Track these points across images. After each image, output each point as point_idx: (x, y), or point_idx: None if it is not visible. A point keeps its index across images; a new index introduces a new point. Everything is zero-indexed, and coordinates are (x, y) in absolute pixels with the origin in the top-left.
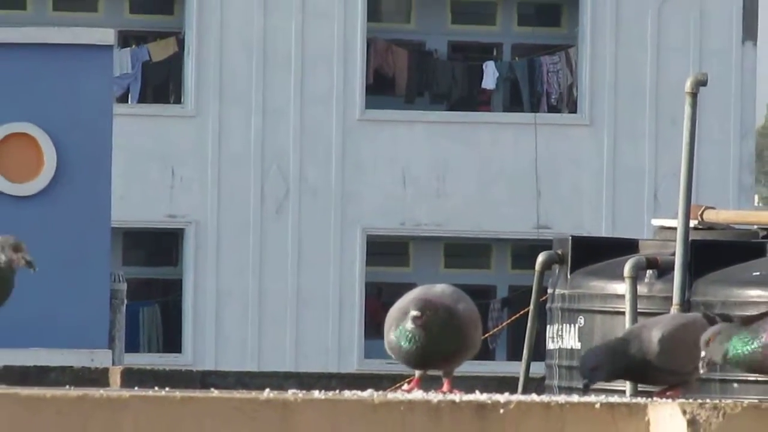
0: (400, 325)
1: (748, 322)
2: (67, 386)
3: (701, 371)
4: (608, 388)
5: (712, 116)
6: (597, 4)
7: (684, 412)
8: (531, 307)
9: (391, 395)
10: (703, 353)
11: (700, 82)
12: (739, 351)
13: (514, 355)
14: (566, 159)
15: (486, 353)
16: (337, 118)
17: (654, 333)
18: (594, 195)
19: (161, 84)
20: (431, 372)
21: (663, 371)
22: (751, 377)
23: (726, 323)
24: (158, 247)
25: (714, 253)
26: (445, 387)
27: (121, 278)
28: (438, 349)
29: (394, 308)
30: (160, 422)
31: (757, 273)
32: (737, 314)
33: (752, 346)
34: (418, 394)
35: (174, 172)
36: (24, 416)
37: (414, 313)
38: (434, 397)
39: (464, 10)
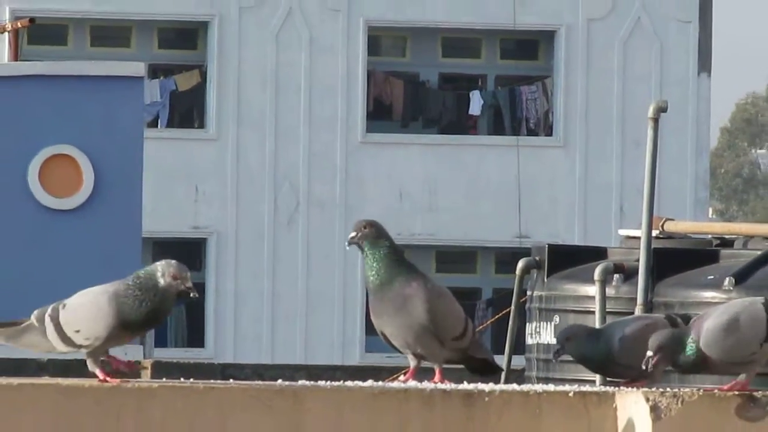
0: None
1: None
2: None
3: (648, 370)
4: (580, 378)
5: (671, 138)
6: (570, 40)
7: (647, 400)
8: (512, 307)
9: (389, 385)
10: (648, 353)
11: (661, 109)
12: (686, 352)
13: (498, 349)
14: (543, 176)
15: None
16: (341, 141)
17: (624, 331)
18: (568, 208)
19: (186, 111)
20: (423, 365)
21: (624, 366)
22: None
23: (675, 329)
24: (184, 255)
25: (673, 260)
26: (437, 377)
27: None
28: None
29: None
30: (186, 410)
31: (711, 277)
32: (694, 313)
33: (692, 347)
34: (412, 384)
35: (197, 188)
36: (65, 404)
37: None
38: (427, 386)
39: (453, 45)
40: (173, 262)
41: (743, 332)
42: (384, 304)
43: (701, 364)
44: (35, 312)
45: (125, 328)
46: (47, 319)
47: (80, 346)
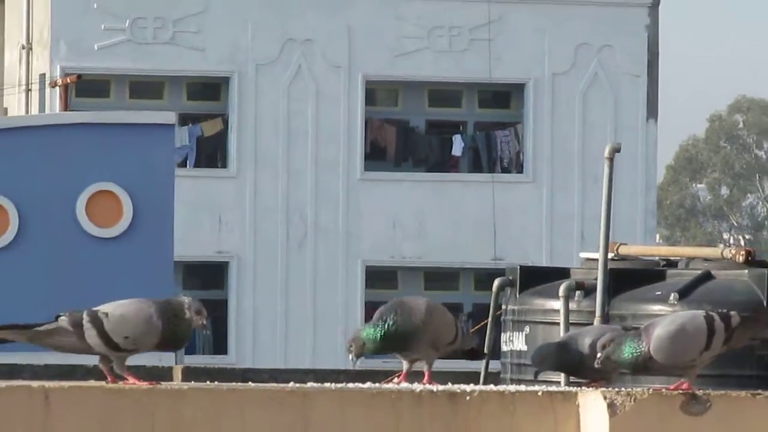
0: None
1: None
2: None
3: (596, 365)
4: (547, 380)
5: (624, 175)
6: (537, 92)
7: (605, 398)
8: (489, 319)
9: (384, 386)
10: (598, 354)
11: (615, 150)
12: (629, 356)
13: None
14: (515, 208)
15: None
16: (343, 178)
17: (585, 340)
18: (536, 234)
19: (210, 153)
20: (404, 359)
21: (591, 369)
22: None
23: (622, 331)
24: (209, 276)
25: (626, 278)
26: (426, 379)
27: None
28: (398, 334)
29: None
30: (211, 408)
31: (659, 293)
32: (643, 324)
33: (638, 351)
34: (405, 385)
35: (221, 218)
36: (109, 403)
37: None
38: (417, 387)
39: (438, 96)
40: (197, 300)
41: (686, 341)
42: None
43: (649, 367)
44: (65, 317)
45: (160, 342)
46: (86, 324)
47: (124, 350)
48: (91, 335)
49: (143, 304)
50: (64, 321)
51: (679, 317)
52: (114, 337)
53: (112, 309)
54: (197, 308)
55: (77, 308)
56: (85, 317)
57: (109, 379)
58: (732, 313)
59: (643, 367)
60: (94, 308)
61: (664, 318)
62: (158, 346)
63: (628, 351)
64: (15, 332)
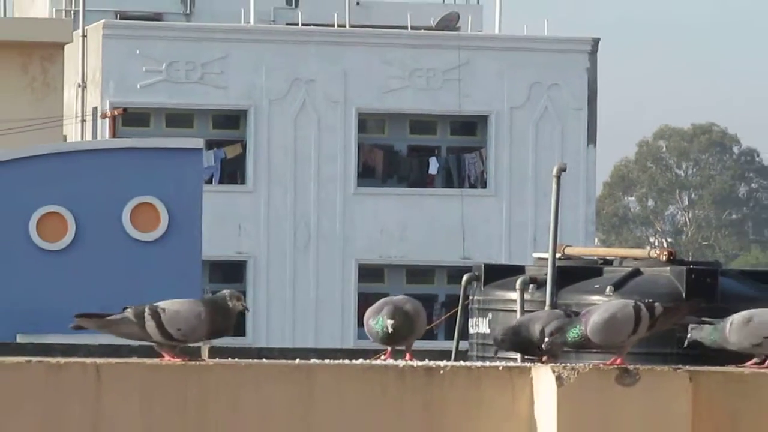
0: (378, 317)
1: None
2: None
3: (544, 348)
4: (506, 357)
5: (569, 190)
6: (498, 122)
7: (553, 372)
8: (459, 307)
9: (373, 363)
10: (546, 338)
11: (562, 170)
12: (572, 337)
13: (449, 336)
14: (480, 217)
15: (431, 336)
16: (340, 193)
17: (536, 325)
18: (497, 238)
19: (232, 172)
20: (396, 348)
21: (540, 349)
22: (594, 350)
23: (567, 318)
24: (230, 272)
25: (571, 274)
26: (407, 357)
27: (207, 291)
28: (399, 334)
29: (372, 308)
30: (233, 380)
31: (597, 285)
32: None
33: (578, 333)
34: (390, 362)
35: (240, 226)
36: (149, 377)
37: (389, 321)
38: (400, 363)
39: (417, 125)
40: (234, 291)
41: (617, 325)
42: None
43: (586, 345)
44: (130, 310)
45: (209, 333)
46: (147, 317)
47: (176, 340)
48: (150, 326)
49: (194, 304)
50: (129, 313)
51: (612, 306)
52: (169, 328)
53: (169, 305)
54: (236, 296)
55: (134, 302)
56: (147, 311)
57: (166, 357)
58: (656, 303)
59: (581, 345)
60: (154, 304)
61: (599, 306)
62: (209, 336)
63: (571, 334)
64: (90, 321)
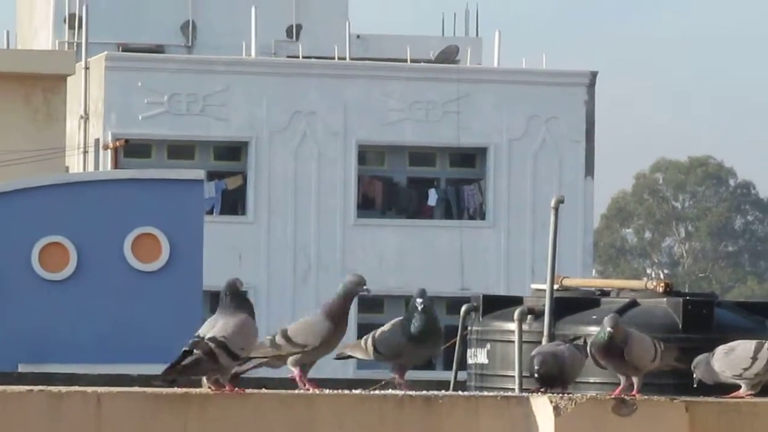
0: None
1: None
2: (176, 386)
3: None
4: (504, 387)
5: (567, 222)
6: (497, 154)
7: (551, 401)
8: (458, 337)
9: (372, 392)
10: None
11: (560, 201)
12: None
13: (448, 366)
14: (479, 248)
15: (430, 365)
16: (340, 224)
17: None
18: (496, 269)
19: (233, 203)
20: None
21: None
22: (591, 380)
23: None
24: None
25: (568, 305)
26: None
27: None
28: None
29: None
30: (233, 410)
31: (594, 317)
32: (582, 343)
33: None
34: (389, 392)
35: (241, 256)
36: (150, 406)
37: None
38: (399, 392)
39: (416, 157)
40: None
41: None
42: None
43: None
44: (197, 351)
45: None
46: (216, 350)
47: (241, 358)
48: (221, 355)
49: (246, 319)
50: (198, 353)
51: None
52: (234, 350)
53: (225, 331)
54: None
55: (134, 332)
56: (212, 345)
57: (227, 387)
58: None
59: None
60: (208, 336)
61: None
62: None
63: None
64: (175, 373)
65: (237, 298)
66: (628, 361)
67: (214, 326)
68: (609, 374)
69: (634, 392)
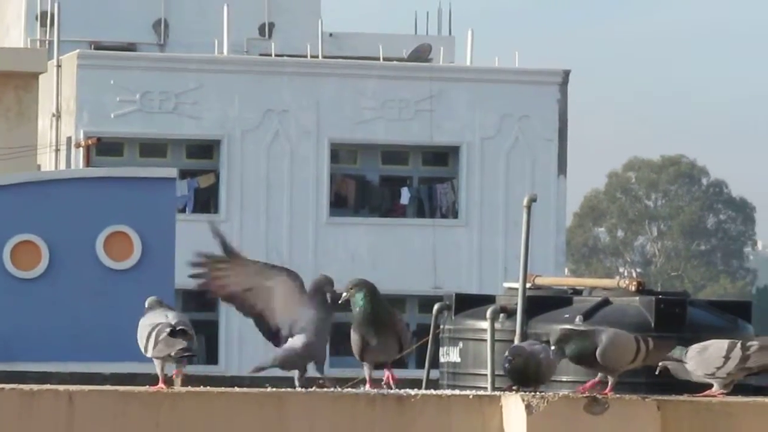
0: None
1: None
2: (148, 386)
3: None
4: (476, 386)
5: (540, 221)
6: (470, 153)
7: (523, 400)
8: (430, 336)
9: (344, 391)
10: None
11: (533, 200)
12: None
13: (420, 365)
14: (451, 246)
15: (402, 364)
16: (312, 222)
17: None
18: (468, 268)
19: (205, 201)
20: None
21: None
22: (563, 378)
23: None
24: (203, 301)
25: (541, 303)
26: (391, 377)
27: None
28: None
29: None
30: (205, 408)
31: (567, 315)
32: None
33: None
34: (361, 390)
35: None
36: (122, 404)
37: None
38: (371, 391)
39: (389, 156)
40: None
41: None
42: (377, 326)
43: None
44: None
45: None
46: None
47: None
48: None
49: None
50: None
51: (618, 332)
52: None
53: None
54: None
55: (107, 329)
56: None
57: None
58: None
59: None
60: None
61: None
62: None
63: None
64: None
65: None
66: (600, 363)
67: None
68: (583, 372)
69: (606, 391)
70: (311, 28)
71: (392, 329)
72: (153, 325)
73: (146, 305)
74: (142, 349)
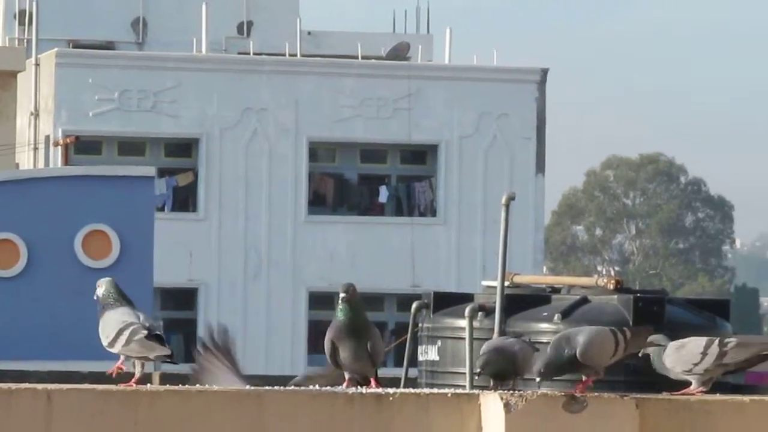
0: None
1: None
2: (126, 384)
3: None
4: (455, 384)
5: (518, 219)
6: (448, 151)
7: (501, 398)
8: (408, 334)
9: (323, 389)
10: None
11: (511, 198)
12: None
13: (399, 363)
14: (429, 244)
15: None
16: (291, 220)
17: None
18: (447, 266)
19: (184, 200)
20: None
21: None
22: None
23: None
24: (182, 299)
25: (519, 302)
26: (374, 383)
27: (158, 318)
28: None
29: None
30: (184, 407)
31: (545, 313)
32: (532, 338)
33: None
34: (340, 389)
35: (191, 253)
36: (100, 403)
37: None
38: (349, 390)
39: (367, 154)
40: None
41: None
42: (351, 340)
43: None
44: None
45: None
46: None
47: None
48: None
49: None
50: None
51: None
52: None
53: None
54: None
55: (85, 328)
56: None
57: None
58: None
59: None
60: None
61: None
62: None
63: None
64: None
65: None
66: (582, 364)
67: None
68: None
69: (581, 387)
70: (290, 27)
71: (364, 346)
72: (125, 322)
73: (102, 289)
74: (105, 343)
